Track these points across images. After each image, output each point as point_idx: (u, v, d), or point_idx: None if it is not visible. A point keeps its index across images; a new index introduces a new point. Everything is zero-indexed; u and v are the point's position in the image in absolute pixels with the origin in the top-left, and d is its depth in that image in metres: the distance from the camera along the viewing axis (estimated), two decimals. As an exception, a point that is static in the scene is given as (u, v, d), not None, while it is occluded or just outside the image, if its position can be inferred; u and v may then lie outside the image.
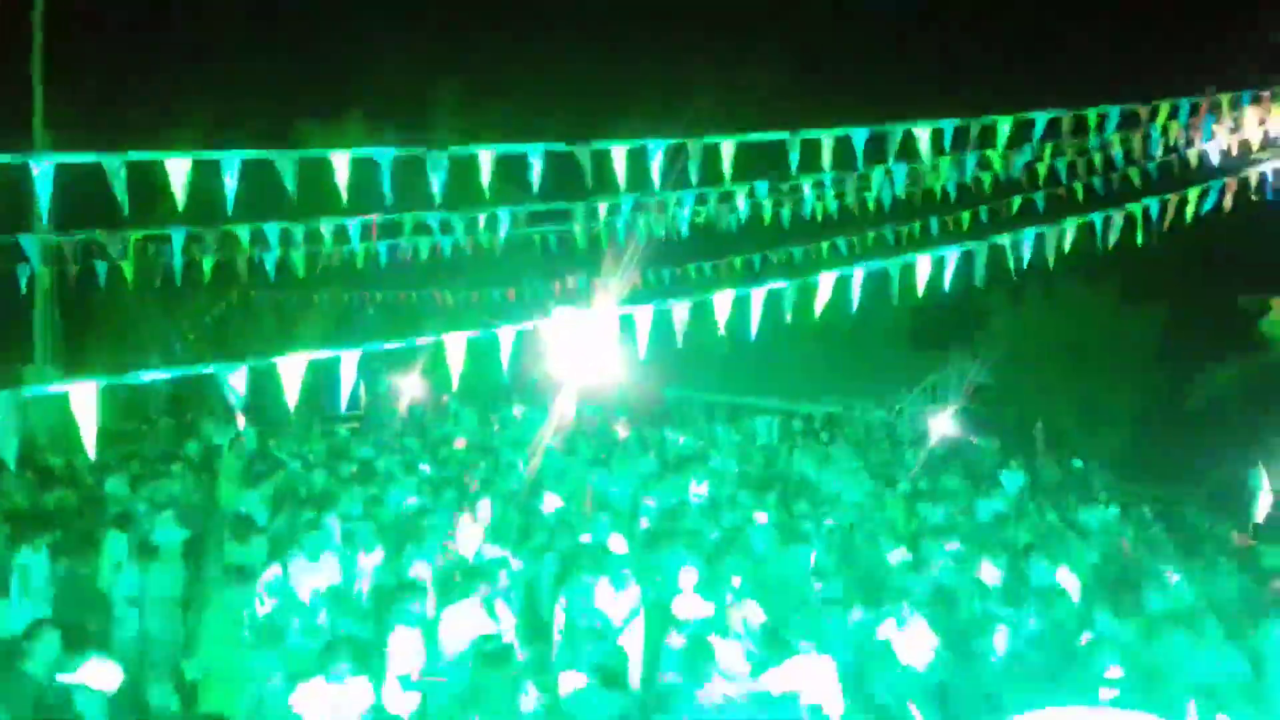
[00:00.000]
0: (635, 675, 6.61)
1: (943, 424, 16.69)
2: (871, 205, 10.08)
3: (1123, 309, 18.88)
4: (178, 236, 9.15)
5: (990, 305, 19.26)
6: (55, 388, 4.65)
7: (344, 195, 6.23)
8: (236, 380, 4.67)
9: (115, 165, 5.64)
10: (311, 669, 5.80)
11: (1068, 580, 7.89)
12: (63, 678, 5.17)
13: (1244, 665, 6.60)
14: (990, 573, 8.04)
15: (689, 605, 7.05)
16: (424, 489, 10.40)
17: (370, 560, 8.06)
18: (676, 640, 6.40)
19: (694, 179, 7.46)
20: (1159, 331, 18.61)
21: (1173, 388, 17.48)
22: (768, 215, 10.10)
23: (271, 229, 9.20)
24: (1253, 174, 9.34)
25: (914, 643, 6.60)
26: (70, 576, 7.75)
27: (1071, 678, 6.12)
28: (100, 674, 5.19)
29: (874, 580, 7.76)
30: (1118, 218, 8.80)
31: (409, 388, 15.14)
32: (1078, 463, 15.09)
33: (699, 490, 10.92)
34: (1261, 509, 12.42)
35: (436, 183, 6.54)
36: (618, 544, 8.50)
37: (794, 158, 7.71)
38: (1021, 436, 17.71)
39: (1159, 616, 6.96)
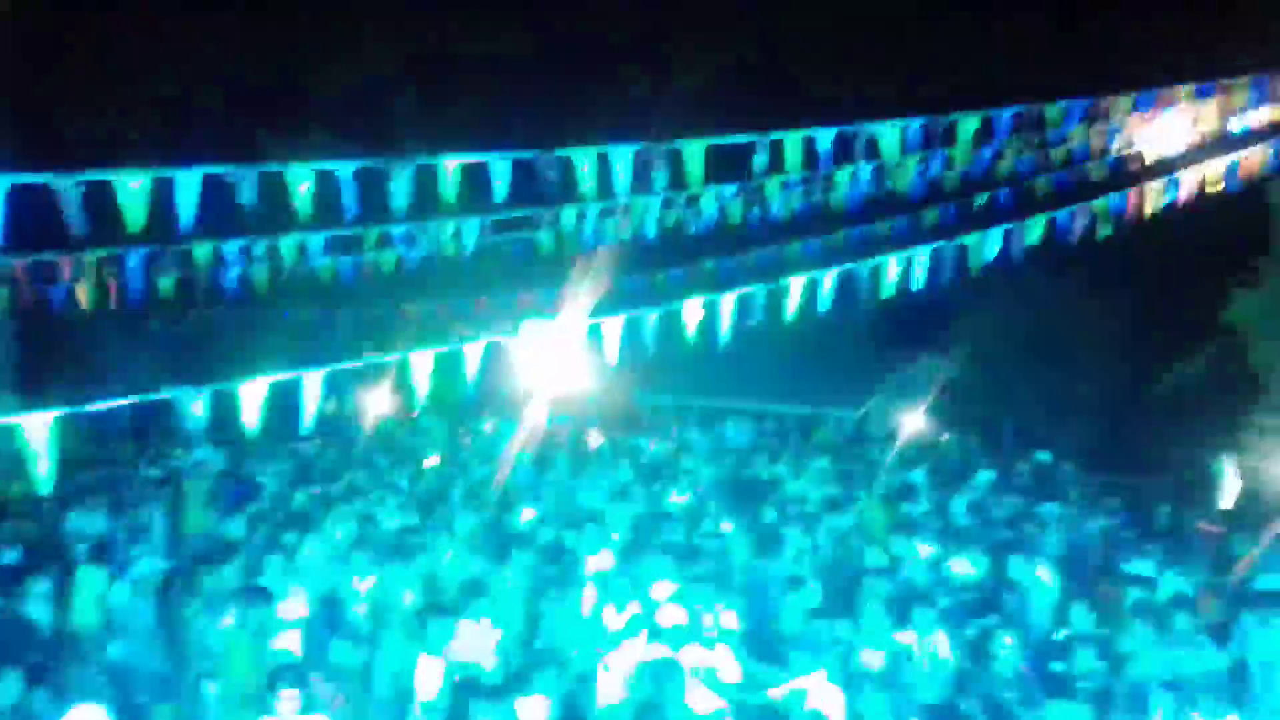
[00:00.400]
0: (613, 692, 6.49)
1: (913, 422, 16.75)
2: (838, 206, 10.09)
3: (1088, 301, 19.05)
4: (134, 258, 8.96)
5: (957, 302, 19.37)
6: (8, 419, 4.50)
7: (306, 209, 6.10)
8: (196, 405, 4.53)
9: (67, 185, 5.48)
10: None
11: (1045, 576, 7.91)
12: None
13: (1217, 658, 6.63)
14: (965, 570, 8.04)
15: (669, 616, 6.97)
16: (407, 507, 10.21)
17: (364, 583, 7.87)
18: (658, 651, 6.31)
19: (660, 184, 7.42)
20: (1125, 322, 18.81)
21: (1139, 378, 17.67)
22: (736, 217, 10.06)
23: (231, 247, 9.03)
24: (1212, 166, 9.44)
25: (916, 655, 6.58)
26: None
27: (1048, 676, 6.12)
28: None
29: (851, 585, 7.71)
30: (1082, 213, 8.88)
31: (376, 403, 14.90)
32: (1045, 456, 15.21)
33: (676, 499, 10.83)
34: (1228, 496, 12.59)
35: (400, 194, 6.44)
36: (594, 557, 8.40)
37: (761, 160, 7.70)
38: (989, 432, 17.83)
39: (1130, 610, 6.97)
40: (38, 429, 4.34)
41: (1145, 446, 15.57)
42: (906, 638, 6.69)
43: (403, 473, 12.40)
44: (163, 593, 7.49)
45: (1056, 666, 6.27)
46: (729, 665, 6.41)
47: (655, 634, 6.60)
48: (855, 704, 5.74)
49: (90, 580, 7.89)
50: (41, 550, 8.92)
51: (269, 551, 8.05)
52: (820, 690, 5.86)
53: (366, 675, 6.75)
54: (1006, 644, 6.25)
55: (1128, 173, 10.08)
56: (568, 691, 6.13)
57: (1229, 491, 12.18)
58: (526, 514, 10.10)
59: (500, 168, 6.70)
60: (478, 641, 6.59)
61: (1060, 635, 6.83)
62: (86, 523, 9.77)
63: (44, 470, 4.33)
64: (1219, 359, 15.30)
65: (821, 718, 5.63)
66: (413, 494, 11.00)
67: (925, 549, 8.64)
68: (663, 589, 7.21)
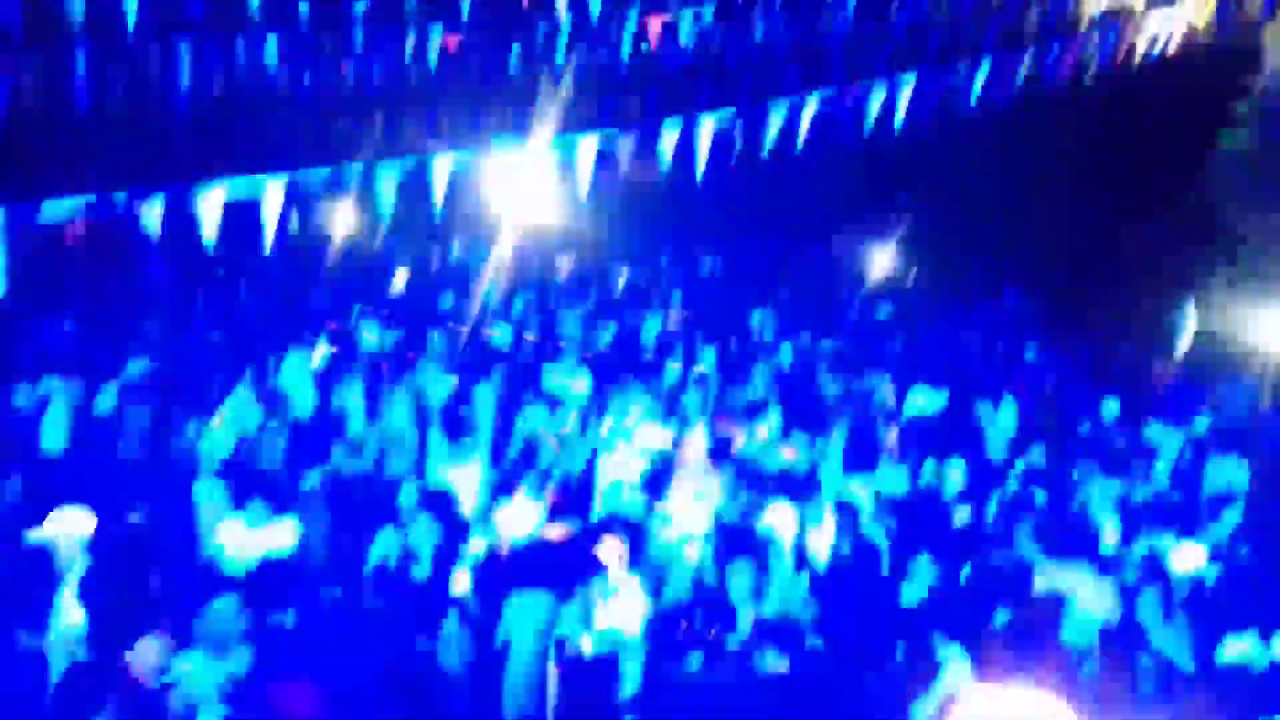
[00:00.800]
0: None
1: (883, 262, 16.73)
2: (821, 33, 9.72)
3: (1065, 149, 18.80)
4: (80, 59, 8.49)
5: (934, 143, 19.05)
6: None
7: (254, 11, 5.73)
8: (152, 213, 4.37)
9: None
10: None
11: (1004, 417, 8.13)
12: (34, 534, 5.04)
13: (1164, 488, 6.94)
14: (926, 404, 8.23)
15: (649, 435, 7.14)
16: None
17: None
18: (639, 465, 6.49)
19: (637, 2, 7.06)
20: (1102, 172, 18.66)
21: (1112, 229, 17.69)
22: (716, 42, 9.67)
23: (182, 50, 8.57)
24: (1206, 9, 9.14)
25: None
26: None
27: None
28: (71, 522, 5.07)
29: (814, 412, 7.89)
30: (1071, 52, 8.61)
31: (340, 222, 14.50)
32: (1010, 297, 15.35)
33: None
34: (1184, 343, 12.86)
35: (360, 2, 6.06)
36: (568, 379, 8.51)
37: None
38: (960, 275, 17.90)
39: (1084, 444, 7.24)
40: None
41: (1113, 296, 15.77)
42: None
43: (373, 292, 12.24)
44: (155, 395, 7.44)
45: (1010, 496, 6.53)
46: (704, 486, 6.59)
47: (635, 451, 6.77)
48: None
49: (64, 390, 7.80)
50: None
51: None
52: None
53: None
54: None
55: (1121, 11, 9.75)
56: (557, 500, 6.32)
57: (1185, 339, 12.43)
58: (497, 334, 10.10)
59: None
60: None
61: (1016, 468, 7.09)
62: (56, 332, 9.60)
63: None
64: (1194, 210, 15.33)
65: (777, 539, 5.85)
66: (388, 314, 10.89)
67: (884, 383, 8.82)
68: (637, 410, 7.36)
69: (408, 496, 6.16)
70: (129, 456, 7.24)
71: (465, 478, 6.59)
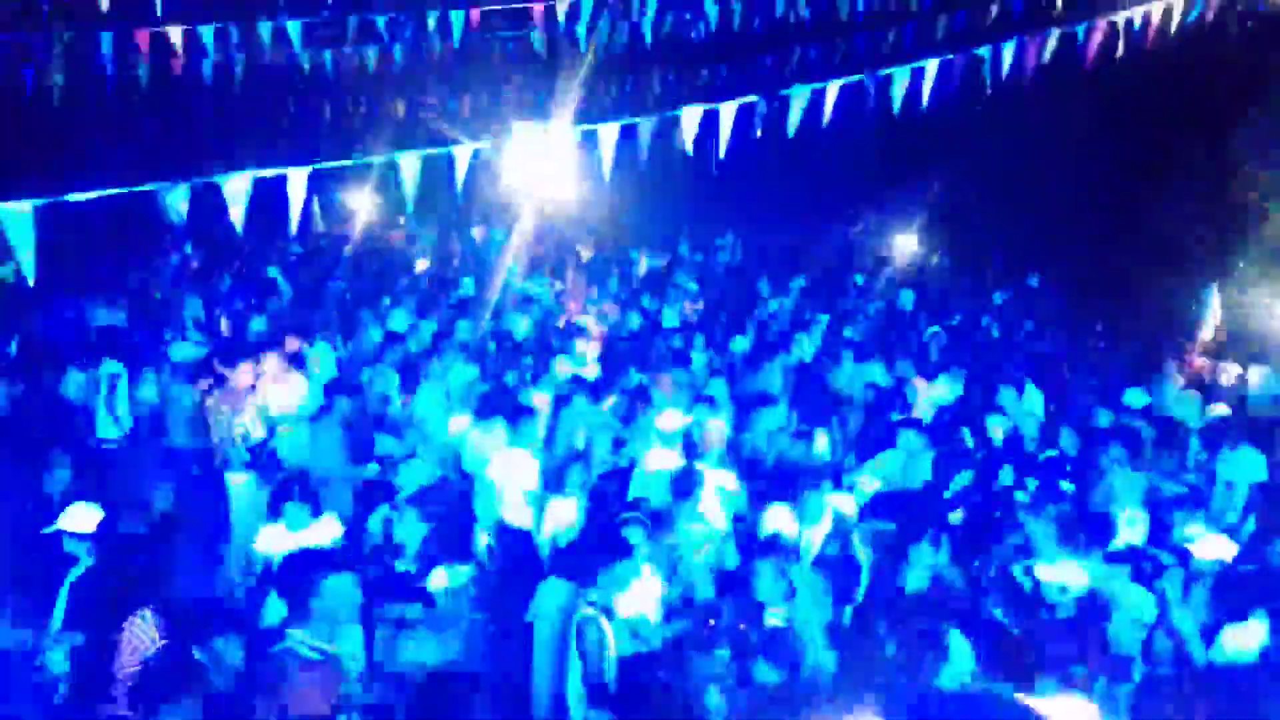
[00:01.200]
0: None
1: (904, 244, 16.67)
2: (844, 13, 9.61)
3: (1088, 128, 18.54)
4: (106, 39, 8.53)
5: (954, 123, 18.83)
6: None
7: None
8: (178, 200, 4.41)
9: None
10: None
11: (1034, 401, 8.10)
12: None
13: (1186, 478, 6.90)
14: (949, 392, 8.20)
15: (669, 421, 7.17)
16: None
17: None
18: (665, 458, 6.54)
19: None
20: (1124, 153, 18.40)
21: (1134, 210, 17.47)
22: (738, 21, 9.57)
23: (206, 31, 8.58)
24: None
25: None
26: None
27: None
28: (81, 518, 5.16)
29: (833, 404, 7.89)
30: (1100, 28, 8.46)
31: (361, 208, 14.58)
32: (1033, 281, 15.25)
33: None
34: (1209, 328, 12.74)
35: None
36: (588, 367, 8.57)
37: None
38: (979, 256, 17.79)
39: (1107, 434, 7.19)
40: (18, 221, 4.22)
41: (1134, 277, 15.61)
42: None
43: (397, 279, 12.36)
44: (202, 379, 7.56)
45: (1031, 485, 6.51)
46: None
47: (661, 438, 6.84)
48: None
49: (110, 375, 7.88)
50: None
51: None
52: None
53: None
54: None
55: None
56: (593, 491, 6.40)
57: (1210, 323, 12.31)
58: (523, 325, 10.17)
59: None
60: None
61: (1043, 456, 7.07)
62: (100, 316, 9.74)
63: (27, 261, 4.24)
64: (1216, 192, 15.11)
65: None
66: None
67: (909, 370, 8.79)
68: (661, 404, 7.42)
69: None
70: (173, 444, 7.34)
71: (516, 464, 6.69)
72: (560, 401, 7.57)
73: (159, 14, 5.83)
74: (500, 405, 7.30)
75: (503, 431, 6.87)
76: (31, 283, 4.35)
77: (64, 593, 5.02)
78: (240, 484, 6.66)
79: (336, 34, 9.72)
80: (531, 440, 6.89)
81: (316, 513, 5.76)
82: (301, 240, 13.38)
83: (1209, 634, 5.04)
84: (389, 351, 8.50)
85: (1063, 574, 5.14)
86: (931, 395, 8.47)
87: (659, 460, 6.62)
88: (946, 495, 6.60)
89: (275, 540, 5.60)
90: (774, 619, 4.97)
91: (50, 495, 5.91)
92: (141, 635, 4.53)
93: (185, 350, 8.47)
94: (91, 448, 7.39)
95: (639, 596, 5.14)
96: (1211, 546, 5.52)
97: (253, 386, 7.36)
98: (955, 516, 6.19)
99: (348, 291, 11.25)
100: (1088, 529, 5.64)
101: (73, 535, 5.12)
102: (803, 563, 5.69)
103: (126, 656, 4.46)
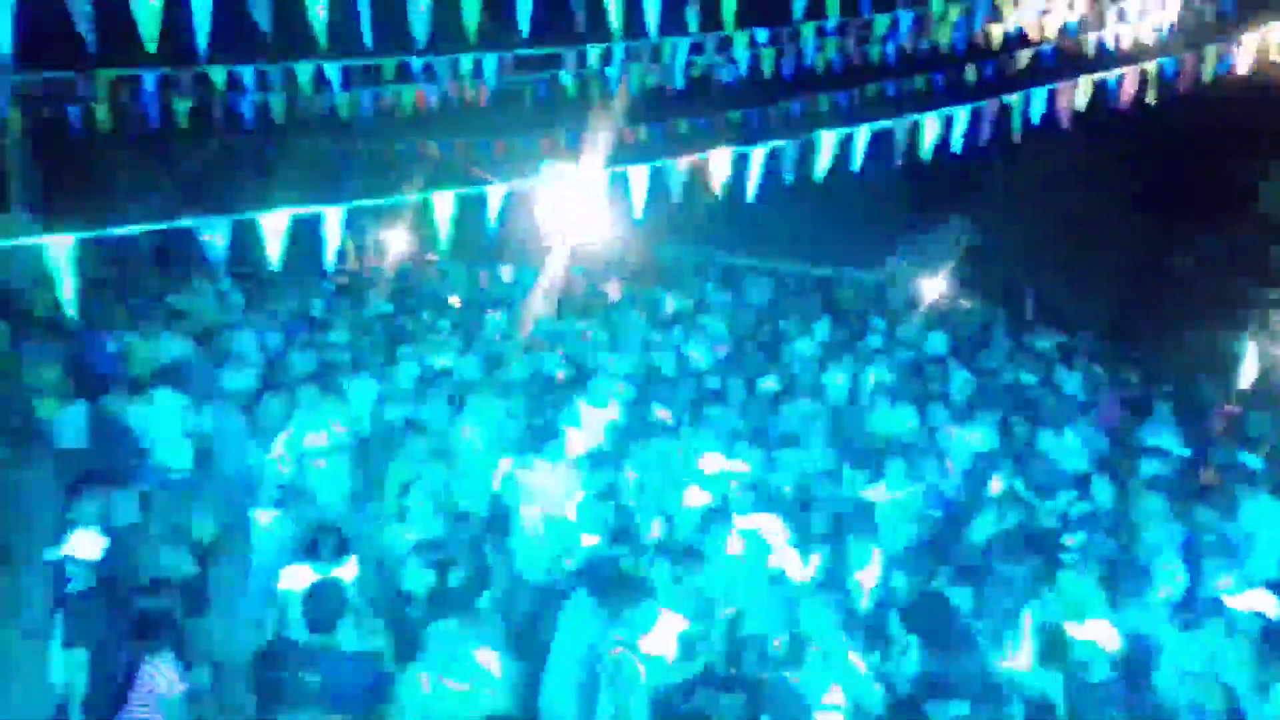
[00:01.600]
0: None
1: (934, 286, 16.61)
2: (875, 57, 9.69)
3: (1118, 170, 18.45)
4: (149, 78, 8.76)
5: (987, 164, 18.83)
6: (31, 240, 4.47)
7: (321, 37, 5.87)
8: (217, 235, 4.48)
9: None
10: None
11: (1071, 448, 7.99)
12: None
13: (1223, 531, 6.75)
14: (983, 439, 8.11)
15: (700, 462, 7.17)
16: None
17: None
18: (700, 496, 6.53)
19: (693, 25, 7.09)
20: (1154, 195, 18.29)
21: (1162, 250, 17.32)
22: (768, 67, 9.66)
23: (247, 71, 8.80)
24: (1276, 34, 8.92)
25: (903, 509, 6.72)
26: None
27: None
28: (85, 544, 5.20)
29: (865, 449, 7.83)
30: (1133, 75, 8.45)
31: (395, 244, 14.80)
32: (1061, 337, 15.09)
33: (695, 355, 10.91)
34: (1247, 376, 12.54)
35: (419, 23, 6.16)
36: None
37: (799, 3, 7.32)
38: (1010, 299, 17.69)
39: (1144, 483, 7.07)
40: (60, 252, 4.31)
41: (1164, 321, 15.45)
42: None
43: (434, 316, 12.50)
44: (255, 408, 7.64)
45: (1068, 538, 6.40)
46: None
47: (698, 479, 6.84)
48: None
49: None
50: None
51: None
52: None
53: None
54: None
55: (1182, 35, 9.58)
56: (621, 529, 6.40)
57: (1248, 371, 12.13)
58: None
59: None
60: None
61: (1075, 508, 6.95)
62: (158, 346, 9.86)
63: (69, 293, 4.32)
64: (1248, 237, 14.97)
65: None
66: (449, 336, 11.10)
67: (942, 415, 8.71)
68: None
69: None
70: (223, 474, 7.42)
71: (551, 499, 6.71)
72: (591, 441, 7.58)
73: (202, 54, 5.97)
74: (536, 443, 7.33)
75: (540, 467, 6.90)
76: (72, 314, 4.42)
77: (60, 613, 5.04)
78: (267, 521, 6.69)
79: (374, 75, 9.92)
80: (566, 476, 6.90)
81: (343, 555, 5.78)
82: (337, 275, 13.56)
83: (1259, 690, 4.91)
84: (435, 387, 8.57)
85: (1095, 633, 5.04)
86: (968, 441, 8.40)
87: (691, 499, 6.60)
88: (979, 541, 6.51)
89: (300, 579, 5.62)
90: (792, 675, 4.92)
91: (115, 525, 6.00)
92: (161, 678, 4.55)
93: (238, 380, 8.58)
94: (154, 477, 7.51)
95: (662, 634, 5.11)
96: (1252, 600, 5.39)
97: (285, 421, 7.43)
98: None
99: (384, 325, 11.37)
100: (1127, 581, 5.53)
101: (77, 561, 5.15)
102: (852, 605, 5.64)
103: (141, 693, 4.46)
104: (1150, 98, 8.71)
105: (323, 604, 4.97)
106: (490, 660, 5.01)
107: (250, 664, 5.08)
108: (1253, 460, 8.18)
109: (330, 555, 5.68)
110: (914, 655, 5.28)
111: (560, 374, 9.78)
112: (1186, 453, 8.25)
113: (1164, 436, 8.55)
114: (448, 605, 5.38)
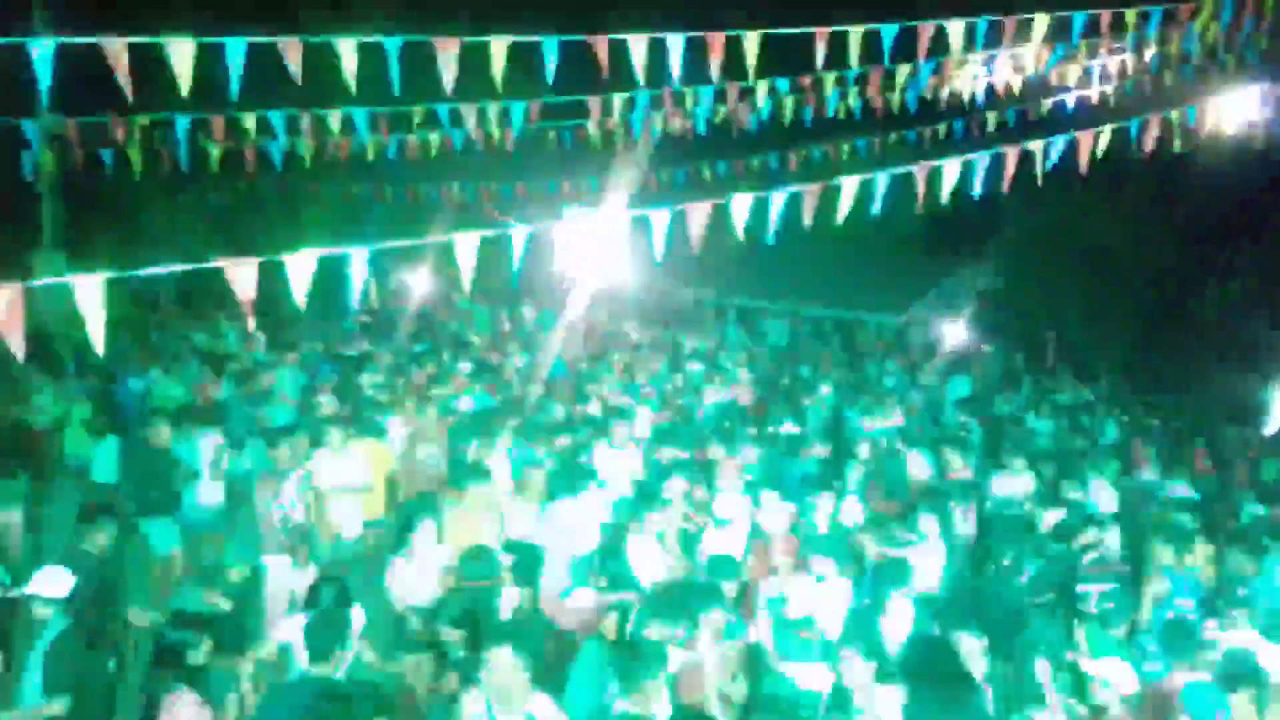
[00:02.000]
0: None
1: (954, 331, 16.57)
2: (896, 106, 9.77)
3: (1138, 215, 18.42)
4: (182, 122, 8.96)
5: (1007, 210, 18.86)
6: (61, 280, 4.55)
7: (351, 84, 6.01)
8: (244, 276, 4.56)
9: (116, 47, 5.43)
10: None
11: (1101, 495, 7.91)
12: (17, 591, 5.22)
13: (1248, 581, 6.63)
14: (1021, 486, 8.06)
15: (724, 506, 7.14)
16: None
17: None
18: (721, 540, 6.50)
19: (714, 74, 7.18)
20: (1174, 240, 18.24)
21: (1184, 297, 17.24)
22: (789, 114, 9.77)
23: (276, 116, 8.98)
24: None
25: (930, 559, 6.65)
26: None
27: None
28: (54, 582, 5.20)
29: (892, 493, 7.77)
30: (1154, 124, 8.48)
31: (419, 285, 14.95)
32: (1086, 393, 14.98)
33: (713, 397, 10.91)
34: (1273, 423, 12.39)
35: (447, 74, 6.29)
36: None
37: (820, 53, 7.41)
38: (1031, 344, 17.61)
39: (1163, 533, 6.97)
40: (89, 292, 4.39)
41: (1185, 368, 15.33)
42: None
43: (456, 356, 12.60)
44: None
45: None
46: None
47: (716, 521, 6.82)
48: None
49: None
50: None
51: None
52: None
53: None
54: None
55: (1203, 82, 9.62)
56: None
57: (1274, 418, 11.98)
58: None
59: (550, 47, 6.53)
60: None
61: (1095, 559, 6.86)
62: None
63: (98, 332, 4.39)
64: (1268, 282, 14.88)
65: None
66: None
67: (959, 461, 8.65)
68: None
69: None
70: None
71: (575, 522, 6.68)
72: (612, 483, 7.57)
73: (233, 99, 6.12)
74: (557, 485, 7.33)
75: (563, 509, 6.89)
76: (100, 353, 4.48)
77: (38, 658, 4.97)
78: (277, 565, 6.69)
79: (401, 121, 10.10)
80: (589, 518, 6.89)
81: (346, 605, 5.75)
82: (361, 315, 13.71)
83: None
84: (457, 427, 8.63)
85: (1109, 671, 4.96)
86: (990, 487, 8.34)
87: (714, 543, 6.57)
88: (1004, 589, 6.43)
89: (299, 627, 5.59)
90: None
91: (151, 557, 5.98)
92: (183, 712, 4.54)
93: (275, 418, 8.68)
94: (191, 514, 7.60)
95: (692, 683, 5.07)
96: (1273, 657, 5.29)
97: (304, 465, 7.47)
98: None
99: (409, 365, 11.46)
100: (1149, 631, 5.45)
101: (44, 599, 5.10)
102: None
103: None
104: (1173, 145, 8.74)
105: (323, 635, 4.94)
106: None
107: (265, 703, 5.04)
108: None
109: (332, 605, 5.61)
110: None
111: (581, 415, 9.79)
112: (1209, 500, 8.14)
113: (1185, 484, 8.44)
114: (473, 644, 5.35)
